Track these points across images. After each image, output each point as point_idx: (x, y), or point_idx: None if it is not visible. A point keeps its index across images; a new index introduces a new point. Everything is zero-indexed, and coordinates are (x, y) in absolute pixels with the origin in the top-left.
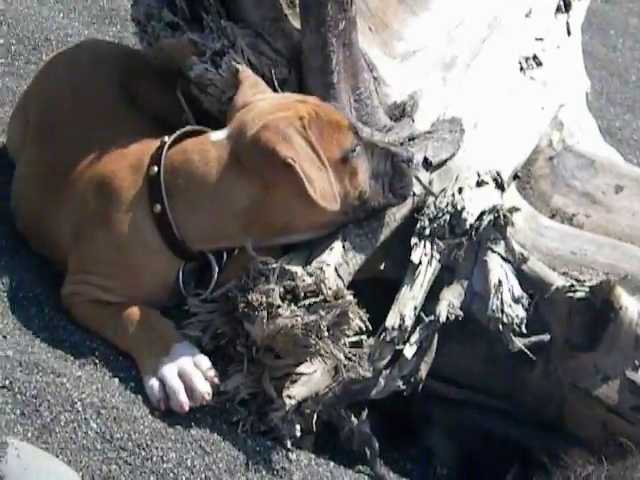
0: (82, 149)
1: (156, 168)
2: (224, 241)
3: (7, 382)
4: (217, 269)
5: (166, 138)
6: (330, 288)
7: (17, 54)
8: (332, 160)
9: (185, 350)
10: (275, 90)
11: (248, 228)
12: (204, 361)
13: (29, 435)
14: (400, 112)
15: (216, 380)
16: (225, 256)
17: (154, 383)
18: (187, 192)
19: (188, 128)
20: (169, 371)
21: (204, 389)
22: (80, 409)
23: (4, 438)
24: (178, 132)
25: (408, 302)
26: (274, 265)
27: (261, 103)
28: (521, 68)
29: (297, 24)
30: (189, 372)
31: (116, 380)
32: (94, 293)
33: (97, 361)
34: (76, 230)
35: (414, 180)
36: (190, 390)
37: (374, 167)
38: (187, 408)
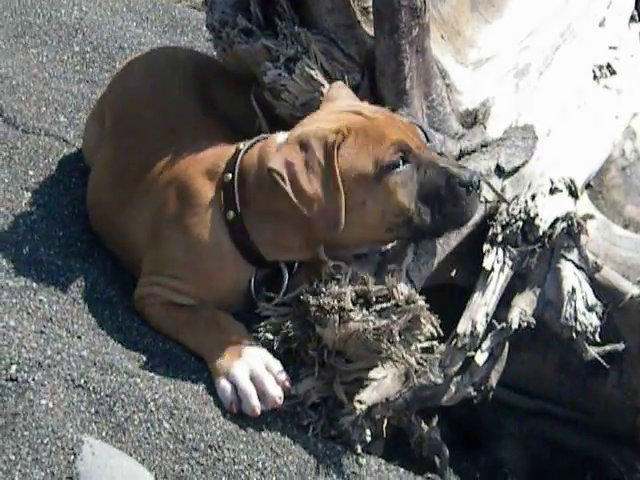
0: (159, 152)
1: (230, 175)
2: (291, 253)
3: (82, 381)
4: (287, 277)
5: (241, 145)
6: (402, 293)
7: (91, 62)
8: (363, 175)
9: (257, 354)
10: None
11: (307, 241)
12: (276, 365)
13: (103, 434)
14: (472, 119)
15: (287, 384)
16: (297, 262)
17: (226, 386)
18: (256, 199)
19: (263, 135)
20: (241, 374)
21: (276, 393)
22: (153, 409)
23: (79, 436)
24: (254, 139)
25: (480, 309)
26: (346, 269)
27: (317, 115)
28: (595, 76)
29: (370, 31)
30: (261, 376)
31: (188, 382)
32: (167, 295)
33: (169, 363)
34: (152, 232)
35: (486, 187)
36: (262, 394)
37: (427, 187)
38: (259, 412)
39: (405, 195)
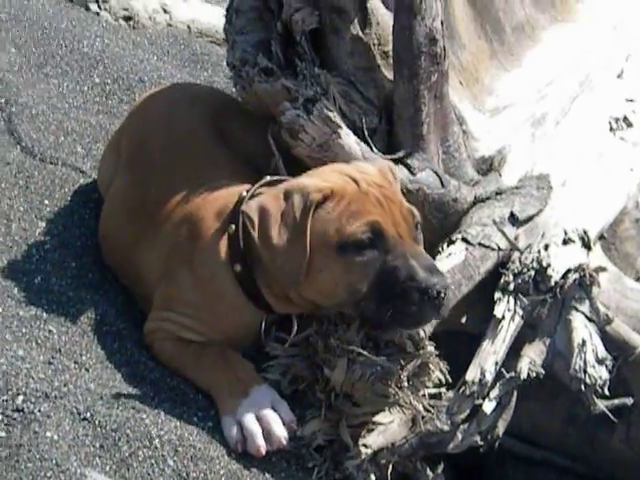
0: (174, 188)
1: (233, 227)
2: (296, 307)
3: (88, 414)
4: (296, 321)
5: (244, 192)
6: (411, 338)
7: (111, 93)
8: (328, 244)
9: (264, 393)
10: (365, 139)
11: (298, 294)
12: (283, 405)
13: (107, 468)
14: (487, 166)
15: (294, 425)
16: None
17: (232, 425)
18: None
19: (267, 179)
20: (247, 414)
21: (281, 434)
22: (158, 445)
23: (83, 470)
24: (256, 186)
25: (489, 357)
26: None
27: (323, 169)
28: (611, 128)
29: (389, 75)
30: (267, 416)
31: (194, 419)
32: (177, 331)
33: (176, 399)
34: (164, 269)
35: (499, 234)
36: (267, 434)
37: (385, 278)
38: (264, 452)
39: (360, 278)
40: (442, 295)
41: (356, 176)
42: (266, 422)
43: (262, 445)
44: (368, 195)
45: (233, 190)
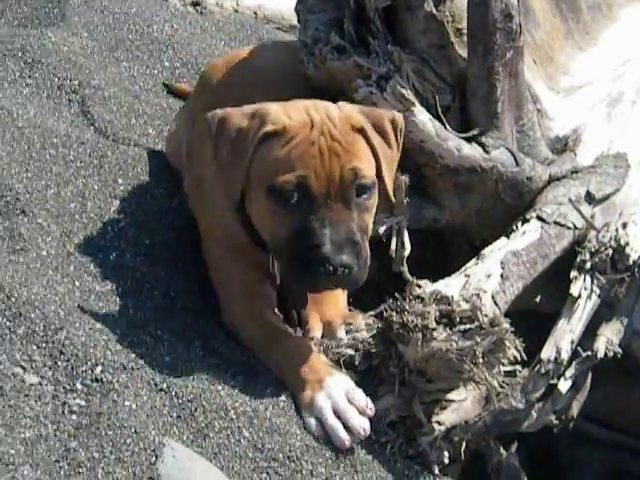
0: None
1: None
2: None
3: (164, 385)
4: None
5: None
6: (486, 315)
7: (180, 77)
8: (260, 179)
9: (338, 384)
10: (439, 116)
11: None
12: (357, 393)
13: (184, 438)
14: (562, 146)
15: (370, 412)
16: None
17: (312, 422)
18: None
19: None
20: (325, 409)
21: (361, 424)
22: (233, 417)
23: (161, 439)
24: None
25: (565, 335)
26: (430, 288)
27: (302, 102)
28: None
29: (463, 52)
30: (343, 409)
31: (268, 392)
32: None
33: (248, 373)
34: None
35: (575, 213)
36: (347, 426)
37: (297, 237)
38: (348, 444)
39: (279, 227)
40: (340, 272)
41: (316, 119)
42: (344, 416)
43: (346, 439)
44: (314, 144)
45: None
